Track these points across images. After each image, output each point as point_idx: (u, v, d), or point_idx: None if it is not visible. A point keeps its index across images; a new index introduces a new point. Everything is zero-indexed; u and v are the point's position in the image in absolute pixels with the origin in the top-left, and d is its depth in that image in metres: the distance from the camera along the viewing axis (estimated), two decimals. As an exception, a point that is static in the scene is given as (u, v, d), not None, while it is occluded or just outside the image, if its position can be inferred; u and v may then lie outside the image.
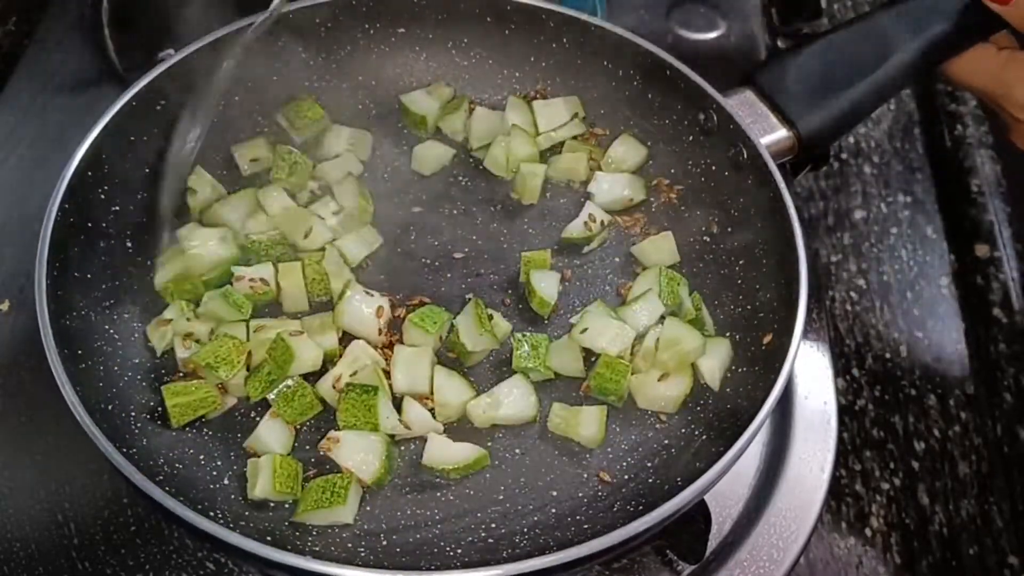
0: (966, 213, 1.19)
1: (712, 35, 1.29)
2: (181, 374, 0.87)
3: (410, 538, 0.80)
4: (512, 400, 0.87)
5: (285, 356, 0.84)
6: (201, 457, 0.83)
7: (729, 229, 0.97)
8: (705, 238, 0.98)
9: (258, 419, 0.85)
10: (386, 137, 1.05)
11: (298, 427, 0.86)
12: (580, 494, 0.84)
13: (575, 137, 1.05)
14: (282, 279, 0.91)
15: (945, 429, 1.05)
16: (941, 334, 1.12)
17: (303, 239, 0.94)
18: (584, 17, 1.02)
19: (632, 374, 0.88)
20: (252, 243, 0.93)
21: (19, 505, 0.89)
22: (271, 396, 0.84)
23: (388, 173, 1.03)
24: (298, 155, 0.98)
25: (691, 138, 1.00)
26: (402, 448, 0.86)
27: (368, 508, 0.82)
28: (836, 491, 0.97)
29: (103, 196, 0.90)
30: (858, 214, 1.17)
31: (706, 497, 0.80)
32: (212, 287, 0.90)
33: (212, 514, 0.77)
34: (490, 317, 0.90)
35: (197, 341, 0.87)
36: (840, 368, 1.08)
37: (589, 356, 0.90)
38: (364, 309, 0.89)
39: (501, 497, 0.84)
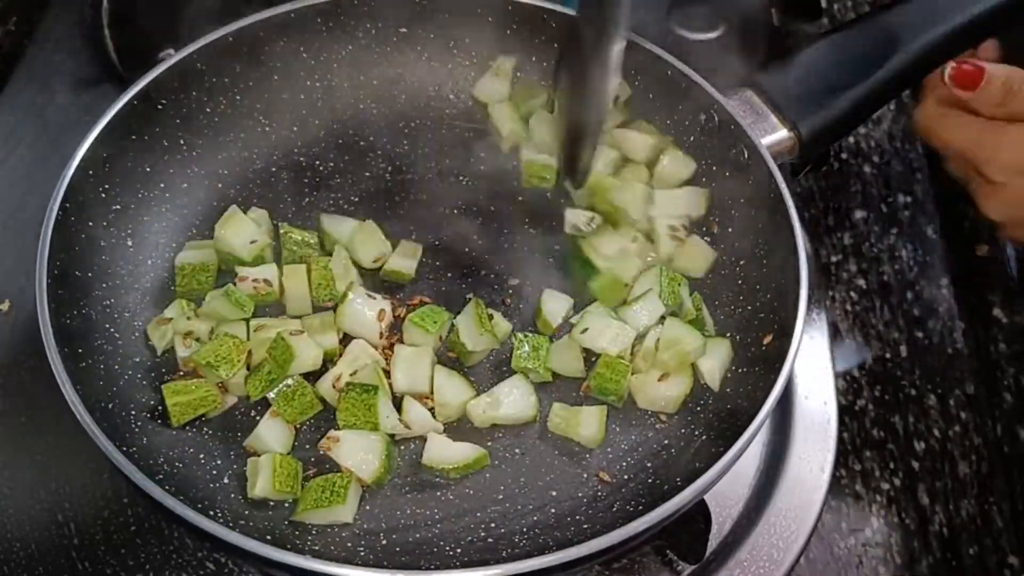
0: (966, 213, 1.19)
1: (712, 35, 1.29)
2: (181, 373, 0.87)
3: (410, 537, 0.80)
4: (512, 400, 0.87)
5: (285, 355, 0.84)
6: (201, 456, 0.83)
7: (729, 229, 0.97)
8: (705, 238, 0.98)
9: (258, 418, 0.85)
10: (386, 136, 1.05)
11: (298, 426, 0.86)
12: (580, 494, 0.84)
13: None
14: (286, 280, 0.91)
15: (945, 429, 1.05)
16: (941, 334, 1.12)
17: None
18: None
19: (632, 374, 0.88)
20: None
21: (19, 505, 0.89)
22: (271, 395, 0.84)
23: (390, 172, 1.04)
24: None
25: (692, 138, 1.00)
26: (402, 447, 0.86)
27: (368, 507, 0.82)
28: (836, 491, 0.97)
29: (103, 196, 0.90)
30: (858, 214, 1.17)
31: (706, 497, 0.80)
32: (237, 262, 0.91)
33: (212, 513, 0.77)
34: (490, 317, 0.90)
35: (197, 340, 0.87)
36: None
37: (589, 356, 0.90)
38: (366, 312, 0.89)
39: (501, 497, 0.84)
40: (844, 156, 1.27)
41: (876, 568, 0.95)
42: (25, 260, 1.00)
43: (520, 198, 1.02)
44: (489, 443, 0.86)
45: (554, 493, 0.84)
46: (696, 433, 0.87)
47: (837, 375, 1.02)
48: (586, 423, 0.86)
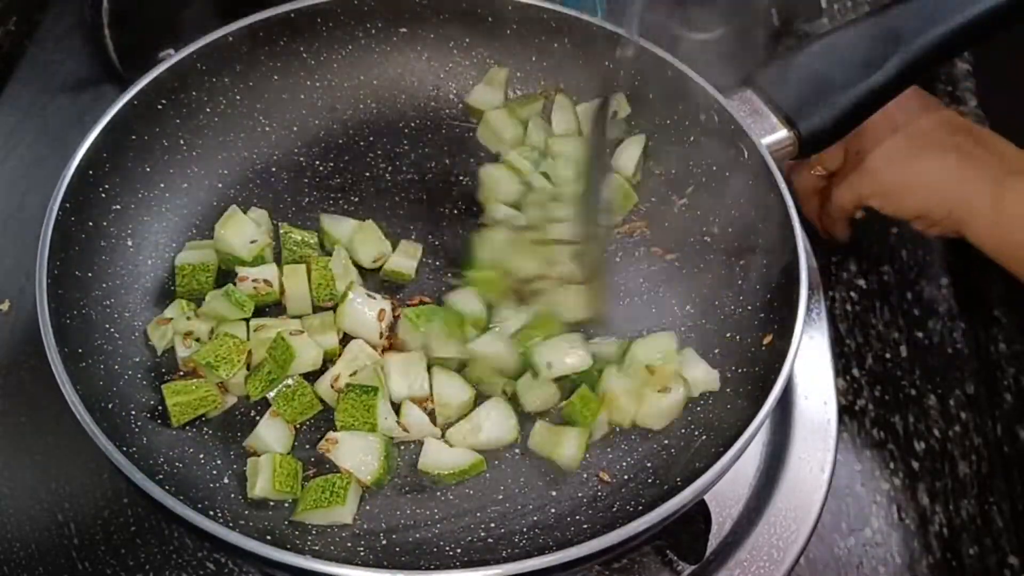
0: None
1: (712, 35, 1.29)
2: (181, 373, 0.87)
3: (409, 537, 0.80)
4: (491, 424, 0.86)
5: (285, 355, 0.84)
6: (201, 456, 0.83)
7: (729, 229, 0.97)
8: (705, 238, 0.98)
9: (258, 418, 0.85)
10: (385, 136, 1.05)
11: (298, 426, 0.86)
12: (580, 494, 0.84)
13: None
14: (286, 280, 0.91)
15: (945, 429, 1.05)
16: (941, 334, 1.12)
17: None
18: (584, 17, 1.02)
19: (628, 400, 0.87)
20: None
21: (19, 505, 0.89)
22: (271, 395, 0.84)
23: (390, 172, 1.04)
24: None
25: (692, 138, 1.00)
26: (401, 448, 0.86)
27: (367, 507, 0.82)
28: (836, 491, 0.97)
29: (103, 196, 0.90)
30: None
31: (706, 497, 0.80)
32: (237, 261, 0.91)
33: (212, 513, 0.77)
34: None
35: (197, 340, 0.87)
36: (840, 368, 1.08)
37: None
38: (366, 312, 0.89)
39: (500, 497, 0.84)
40: (844, 156, 1.27)
41: (876, 568, 0.96)
42: (25, 260, 1.00)
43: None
44: (489, 443, 0.86)
45: (554, 493, 0.84)
46: (696, 433, 0.87)
47: (837, 374, 1.02)
48: (566, 445, 0.84)
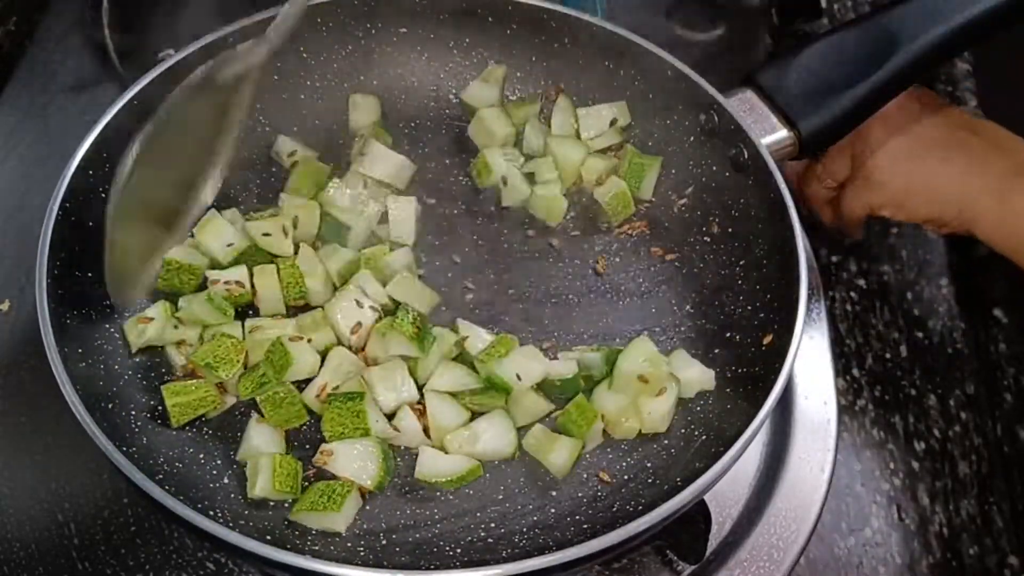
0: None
1: (712, 35, 1.29)
2: (180, 374, 0.87)
3: (409, 538, 0.80)
4: (490, 436, 0.85)
5: (283, 361, 0.83)
6: (201, 456, 0.83)
7: (729, 229, 0.97)
8: (705, 238, 0.98)
9: (259, 419, 0.85)
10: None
11: (296, 428, 0.86)
12: (580, 494, 0.84)
13: (607, 148, 1.04)
14: (257, 281, 0.90)
15: (945, 429, 1.05)
16: (941, 334, 1.12)
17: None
18: (585, 17, 1.02)
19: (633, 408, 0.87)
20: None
21: (19, 505, 0.89)
22: (259, 398, 0.83)
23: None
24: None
25: (692, 139, 1.00)
26: (401, 449, 0.86)
27: (367, 508, 0.82)
28: (836, 491, 0.97)
29: (103, 196, 0.90)
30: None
31: (706, 497, 0.80)
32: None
33: (212, 513, 0.77)
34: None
35: (190, 345, 0.87)
36: (840, 368, 1.08)
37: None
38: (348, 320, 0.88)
39: (500, 497, 0.84)
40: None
41: (876, 568, 0.96)
42: (25, 260, 1.00)
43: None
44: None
45: (554, 493, 0.84)
46: (696, 433, 0.87)
47: (837, 374, 1.02)
48: (558, 452, 0.84)
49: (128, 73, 1.14)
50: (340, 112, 1.05)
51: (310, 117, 1.05)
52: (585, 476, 0.85)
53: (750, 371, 0.87)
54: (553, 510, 0.83)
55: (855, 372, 1.08)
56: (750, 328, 0.90)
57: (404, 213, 0.97)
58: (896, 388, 1.08)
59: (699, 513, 0.86)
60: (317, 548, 0.78)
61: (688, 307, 0.95)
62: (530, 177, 1.01)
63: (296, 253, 0.93)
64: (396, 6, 1.04)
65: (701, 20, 1.29)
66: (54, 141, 1.15)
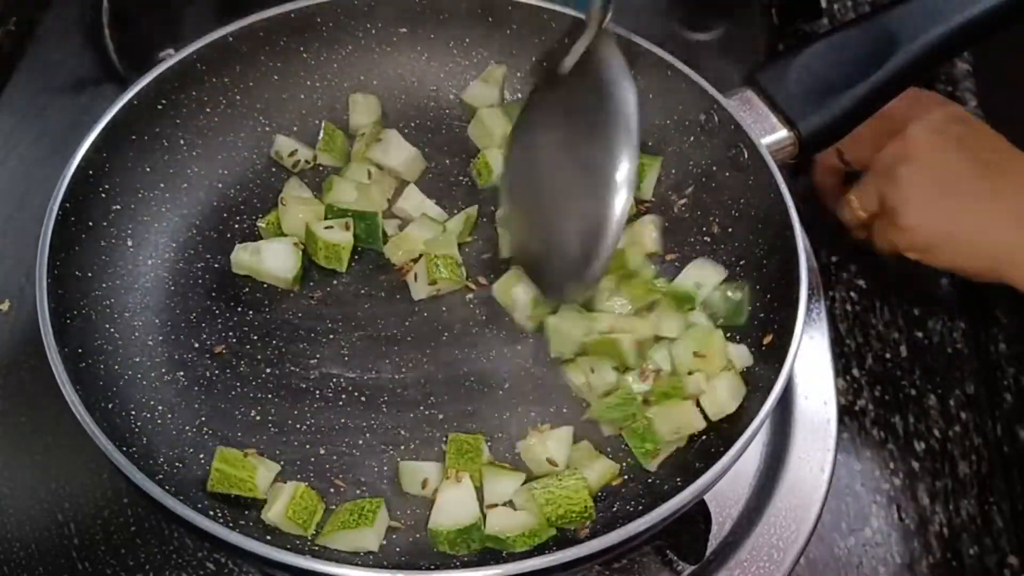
0: (966, 213, 1.19)
1: (712, 35, 1.29)
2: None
3: (409, 537, 0.80)
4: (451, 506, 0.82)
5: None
6: (201, 456, 0.83)
7: (729, 229, 0.97)
8: (705, 238, 0.98)
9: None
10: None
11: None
12: (580, 494, 0.84)
13: None
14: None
15: (945, 429, 1.05)
16: (941, 334, 1.12)
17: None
18: (584, 17, 1.02)
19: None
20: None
21: (19, 505, 0.89)
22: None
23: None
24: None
25: (691, 139, 1.00)
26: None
27: (368, 508, 0.82)
28: (836, 491, 0.97)
29: (103, 196, 0.90)
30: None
31: (706, 497, 0.80)
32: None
33: (212, 513, 0.77)
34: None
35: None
36: (840, 368, 1.08)
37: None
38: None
39: (501, 497, 0.84)
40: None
41: (876, 568, 0.96)
42: (25, 260, 1.01)
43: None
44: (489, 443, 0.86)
45: (554, 493, 0.84)
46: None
47: (837, 374, 1.02)
48: (593, 469, 0.83)
49: (128, 73, 1.14)
50: (340, 112, 1.05)
51: (310, 117, 1.05)
52: (585, 476, 0.85)
53: (750, 371, 0.87)
54: (553, 510, 0.83)
55: (855, 372, 1.08)
56: (750, 328, 0.90)
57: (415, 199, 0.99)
58: (896, 388, 1.08)
59: (699, 513, 0.86)
60: (317, 548, 0.78)
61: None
62: None
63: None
64: (396, 6, 1.04)
65: (701, 20, 1.29)
66: (54, 141, 1.15)
